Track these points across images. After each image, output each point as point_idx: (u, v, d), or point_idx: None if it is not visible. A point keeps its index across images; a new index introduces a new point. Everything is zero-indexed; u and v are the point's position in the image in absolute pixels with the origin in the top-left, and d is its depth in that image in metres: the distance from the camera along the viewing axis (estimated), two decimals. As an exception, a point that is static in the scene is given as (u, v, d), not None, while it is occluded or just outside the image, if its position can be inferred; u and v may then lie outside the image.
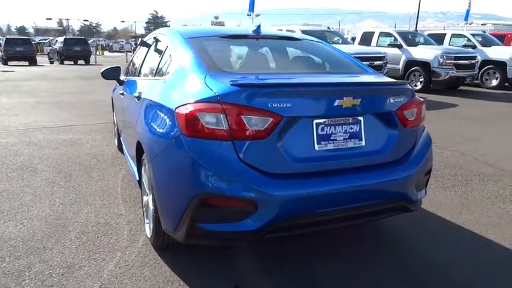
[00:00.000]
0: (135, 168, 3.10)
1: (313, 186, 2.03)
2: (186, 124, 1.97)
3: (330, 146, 2.14)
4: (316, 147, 2.11)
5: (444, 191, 3.84)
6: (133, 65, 4.09)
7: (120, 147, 4.65)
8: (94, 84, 12.48)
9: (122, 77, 4.06)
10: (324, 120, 2.12)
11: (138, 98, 2.93)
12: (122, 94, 3.86)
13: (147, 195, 2.66)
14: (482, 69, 12.63)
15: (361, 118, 2.21)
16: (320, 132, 2.12)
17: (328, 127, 2.14)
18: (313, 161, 2.10)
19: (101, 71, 3.94)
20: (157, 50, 3.28)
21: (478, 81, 12.71)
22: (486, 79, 12.83)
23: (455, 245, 2.75)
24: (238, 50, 3.21)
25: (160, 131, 2.20)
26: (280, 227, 2.03)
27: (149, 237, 2.64)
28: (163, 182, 2.19)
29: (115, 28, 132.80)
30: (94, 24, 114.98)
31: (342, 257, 2.57)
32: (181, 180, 2.03)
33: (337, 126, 2.16)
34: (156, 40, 3.43)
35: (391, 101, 2.28)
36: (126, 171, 4.19)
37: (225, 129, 1.92)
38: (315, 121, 2.10)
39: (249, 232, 1.98)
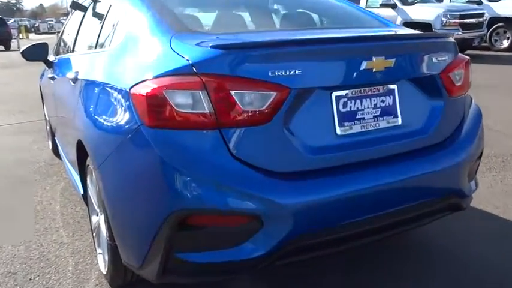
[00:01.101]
0: (77, 178, 2.88)
1: (338, 187, 1.80)
2: (149, 109, 1.71)
3: (357, 128, 1.92)
4: (338, 130, 1.88)
5: (480, 177, 3.59)
6: (65, 39, 3.92)
7: (56, 151, 4.44)
8: (19, 74, 12.21)
9: (51, 58, 3.89)
10: (347, 91, 1.88)
11: (75, 80, 2.70)
12: (52, 79, 3.65)
13: (98, 214, 2.44)
14: (491, 29, 12.71)
15: (394, 86, 2.00)
16: (342, 109, 1.88)
17: (353, 101, 1.91)
18: (335, 151, 1.86)
19: (21, 50, 3.75)
20: (97, 14, 3.05)
21: (486, 43, 12.80)
22: (496, 40, 12.95)
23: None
24: (214, 4, 2.95)
25: (110, 123, 1.98)
26: (296, 249, 1.80)
27: (104, 273, 2.38)
28: (119, 197, 1.95)
29: (41, 5, 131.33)
30: (13, 1, 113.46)
31: (383, 271, 2.44)
32: (147, 192, 1.78)
33: (364, 100, 1.93)
34: (95, 1, 3.19)
35: (434, 60, 2.07)
36: (67, 183, 3.98)
37: (208, 112, 1.67)
38: (335, 94, 1.86)
39: (252, 260, 1.73)
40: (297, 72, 1.74)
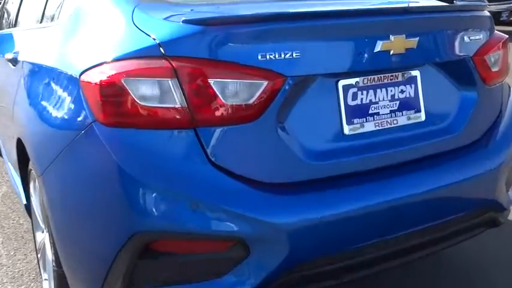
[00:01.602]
0: (19, 185, 2.80)
1: (346, 202, 1.73)
2: (103, 102, 1.62)
3: (369, 126, 1.84)
4: (346, 129, 1.80)
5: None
6: (8, 10, 3.90)
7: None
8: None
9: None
10: (357, 80, 1.80)
11: (14, 61, 2.63)
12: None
13: (43, 231, 2.37)
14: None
15: (417, 73, 1.93)
16: (351, 103, 1.81)
17: (365, 92, 1.83)
18: (342, 156, 1.79)
19: None
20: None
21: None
22: (527, 14, 12.94)
23: None
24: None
25: (55, 119, 1.91)
26: (292, 280, 1.73)
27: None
28: (66, 213, 1.87)
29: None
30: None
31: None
32: (101, 209, 1.69)
33: (379, 90, 1.86)
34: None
35: (465, 39, 2.01)
36: (9, 187, 3.91)
37: (179, 107, 1.59)
38: (342, 82, 1.78)
39: None
40: (294, 55, 1.67)
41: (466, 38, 2.03)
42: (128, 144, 1.63)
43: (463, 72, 2.08)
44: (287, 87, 1.68)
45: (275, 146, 1.69)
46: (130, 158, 1.62)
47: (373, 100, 1.87)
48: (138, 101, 1.59)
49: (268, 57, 1.64)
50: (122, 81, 1.59)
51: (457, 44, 2.02)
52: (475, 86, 2.09)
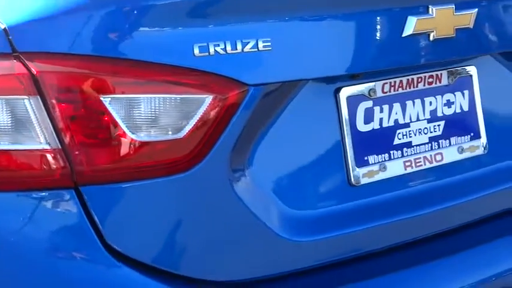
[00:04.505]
0: None
1: None
2: None
3: (395, 169, 1.53)
4: (356, 175, 1.48)
5: None
6: None
7: None
8: None
9: None
10: (372, 85, 1.49)
11: None
12: None
13: None
14: None
15: (473, 70, 1.63)
16: (363, 127, 1.49)
17: (386, 107, 1.53)
18: (348, 224, 1.48)
19: None
20: None
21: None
22: None
23: None
24: None
25: None
26: None
27: None
28: None
29: None
30: None
31: None
32: None
33: (410, 103, 1.56)
34: None
35: None
36: None
37: (47, 150, 1.28)
38: (346, 92, 1.47)
39: None
40: (260, 47, 1.30)
41: None
42: None
43: None
44: (250, 103, 1.31)
45: (229, 215, 1.35)
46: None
47: (401, 121, 1.52)
48: None
49: (212, 51, 1.25)
50: None
51: None
52: None
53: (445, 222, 1.57)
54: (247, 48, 1.26)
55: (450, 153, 1.56)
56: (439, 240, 1.57)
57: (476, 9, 1.47)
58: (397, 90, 1.49)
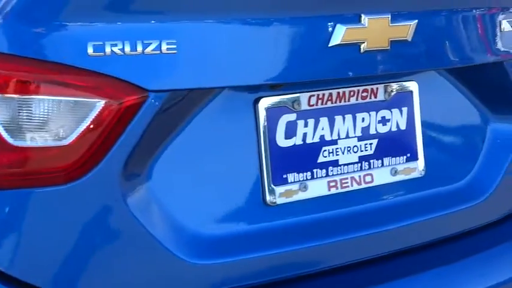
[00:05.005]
0: None
1: None
2: None
3: (318, 189, 1.47)
4: (272, 194, 1.42)
5: None
6: None
7: None
8: None
9: None
10: (297, 97, 1.44)
11: None
12: None
13: None
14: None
15: (413, 86, 1.60)
16: (283, 142, 1.43)
17: (311, 121, 1.47)
18: (260, 248, 1.42)
19: None
20: None
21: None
22: None
23: None
24: None
25: None
26: None
27: None
28: None
29: None
30: None
31: None
32: None
33: (339, 118, 1.51)
34: None
35: (504, 27, 1.66)
36: None
37: None
38: (266, 102, 1.41)
39: None
40: (164, 48, 1.22)
41: (506, 26, 1.65)
42: None
43: (499, 88, 1.72)
44: (149, 111, 1.21)
45: (119, 231, 1.26)
46: None
47: (328, 137, 1.45)
48: None
49: (109, 51, 1.17)
50: None
51: (489, 35, 1.65)
52: None
53: (370, 249, 1.50)
54: (148, 50, 1.18)
55: (382, 175, 1.51)
56: (363, 268, 1.50)
57: (416, 21, 1.41)
58: (326, 104, 1.42)
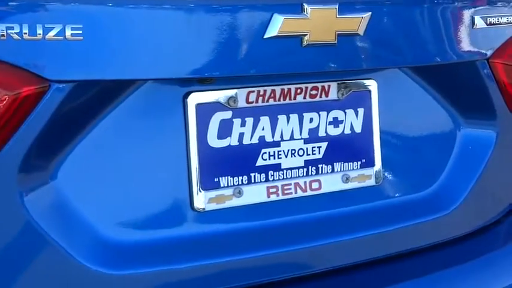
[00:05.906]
0: None
1: None
2: None
3: (254, 195, 1.38)
4: (200, 199, 1.32)
5: None
6: None
7: None
8: None
9: None
10: (233, 93, 1.35)
11: None
12: None
13: None
14: None
15: (372, 85, 1.50)
16: (215, 143, 1.34)
17: (250, 121, 1.38)
18: (184, 258, 1.32)
19: None
20: None
21: None
22: None
23: None
24: None
25: None
26: None
27: None
28: None
29: None
30: None
31: None
32: None
33: (283, 118, 1.41)
34: None
35: (478, 23, 1.56)
36: None
37: None
38: (196, 98, 1.31)
39: None
40: (69, 34, 1.10)
41: (479, 22, 1.53)
42: None
43: (470, 90, 1.61)
44: (52, 104, 1.13)
45: (16, 237, 1.16)
46: None
47: (269, 139, 1.35)
48: None
49: (4, 35, 1.08)
50: None
51: (460, 32, 1.52)
52: (491, 117, 1.65)
53: (313, 263, 1.41)
54: (50, 36, 1.07)
55: (331, 182, 1.40)
56: (303, 284, 1.40)
57: (369, 13, 1.30)
58: (267, 101, 1.32)
